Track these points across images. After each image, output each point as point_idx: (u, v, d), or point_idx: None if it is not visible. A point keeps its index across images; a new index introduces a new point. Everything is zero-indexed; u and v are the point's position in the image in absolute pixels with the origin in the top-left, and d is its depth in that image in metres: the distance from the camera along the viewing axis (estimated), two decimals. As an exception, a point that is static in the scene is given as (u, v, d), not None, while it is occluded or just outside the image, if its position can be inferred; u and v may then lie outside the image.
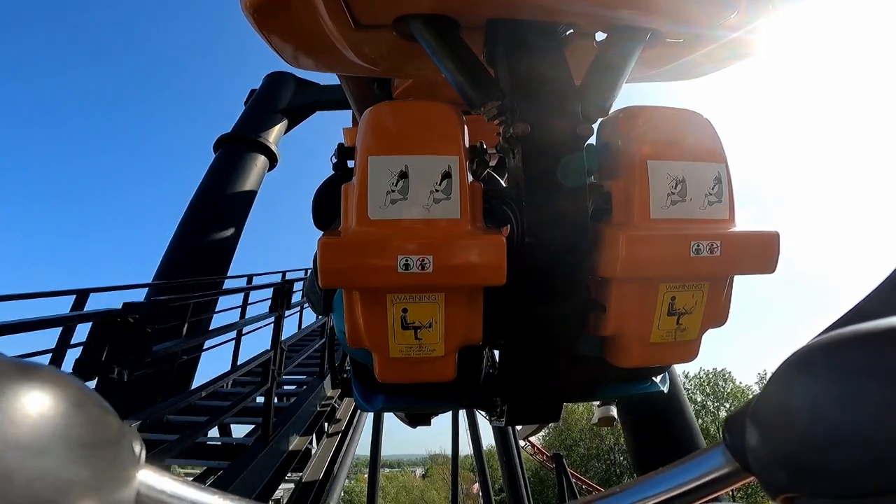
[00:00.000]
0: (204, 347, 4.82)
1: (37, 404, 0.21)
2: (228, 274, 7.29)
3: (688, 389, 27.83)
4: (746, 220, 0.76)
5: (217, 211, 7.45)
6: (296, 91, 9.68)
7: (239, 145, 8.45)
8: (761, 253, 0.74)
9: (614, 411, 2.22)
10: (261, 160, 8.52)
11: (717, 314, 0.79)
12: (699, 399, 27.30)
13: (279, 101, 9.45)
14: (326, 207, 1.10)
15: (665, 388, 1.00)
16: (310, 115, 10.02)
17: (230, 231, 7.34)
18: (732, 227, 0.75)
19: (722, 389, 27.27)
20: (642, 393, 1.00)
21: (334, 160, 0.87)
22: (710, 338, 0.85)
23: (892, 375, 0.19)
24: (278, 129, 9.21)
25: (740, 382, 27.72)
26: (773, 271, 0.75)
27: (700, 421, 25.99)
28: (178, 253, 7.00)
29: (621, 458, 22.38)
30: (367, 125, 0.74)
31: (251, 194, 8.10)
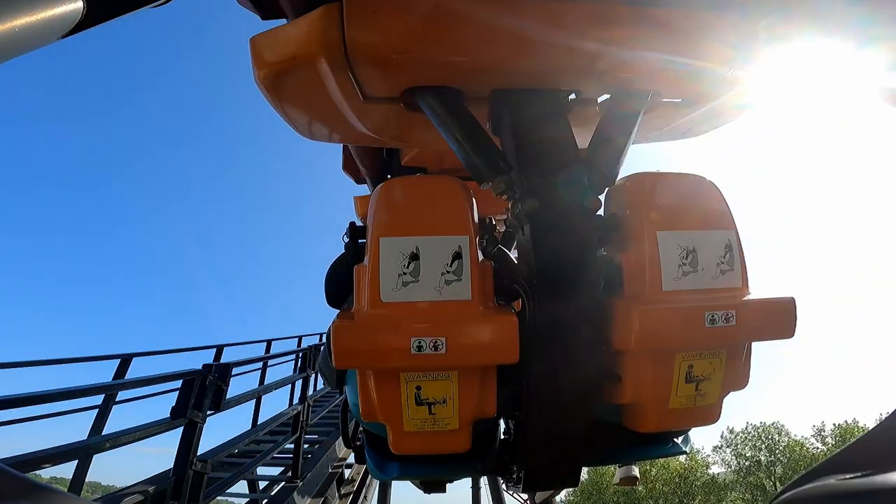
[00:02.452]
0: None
1: None
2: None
3: (735, 445, 25.38)
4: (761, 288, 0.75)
5: None
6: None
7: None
8: (778, 319, 0.73)
9: (636, 471, 2.05)
10: None
11: (737, 378, 0.77)
12: (749, 454, 24.74)
13: None
14: (339, 286, 1.12)
15: (688, 449, 0.95)
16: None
17: None
18: (747, 294, 0.74)
19: (776, 443, 24.66)
20: (663, 455, 0.96)
21: (346, 240, 0.89)
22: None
23: None
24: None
25: (795, 435, 25.11)
26: (791, 336, 0.73)
27: (752, 477, 23.27)
28: None
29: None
30: (377, 204, 0.77)
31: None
